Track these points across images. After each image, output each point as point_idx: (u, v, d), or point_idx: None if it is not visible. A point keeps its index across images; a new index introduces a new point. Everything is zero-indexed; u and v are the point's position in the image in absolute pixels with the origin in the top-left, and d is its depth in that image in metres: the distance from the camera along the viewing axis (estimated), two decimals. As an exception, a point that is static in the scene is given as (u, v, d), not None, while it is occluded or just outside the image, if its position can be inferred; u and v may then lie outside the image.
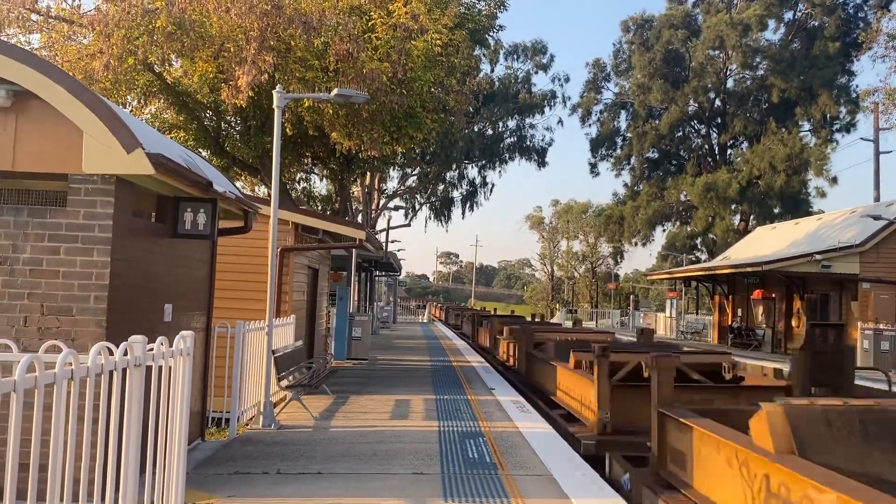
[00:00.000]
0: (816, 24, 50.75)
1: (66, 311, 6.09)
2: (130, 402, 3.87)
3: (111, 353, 3.77)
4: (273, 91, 10.13)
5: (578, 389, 10.19)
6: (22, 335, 6.05)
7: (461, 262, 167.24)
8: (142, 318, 6.79)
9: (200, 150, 20.14)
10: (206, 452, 8.08)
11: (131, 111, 18.64)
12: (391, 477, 6.99)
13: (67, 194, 6.15)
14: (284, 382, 10.39)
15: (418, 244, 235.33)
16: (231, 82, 13.81)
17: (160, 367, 4.33)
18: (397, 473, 7.12)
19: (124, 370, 3.81)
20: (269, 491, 6.45)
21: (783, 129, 49.66)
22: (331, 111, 15.45)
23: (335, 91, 10.36)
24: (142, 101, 17.95)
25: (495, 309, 51.85)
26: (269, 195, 10.75)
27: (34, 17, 15.58)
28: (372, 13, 16.12)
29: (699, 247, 57.09)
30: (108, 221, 6.13)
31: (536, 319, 26.69)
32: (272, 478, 6.94)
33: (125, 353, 3.81)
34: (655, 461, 6.21)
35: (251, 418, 10.04)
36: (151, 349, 4.41)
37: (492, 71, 46.99)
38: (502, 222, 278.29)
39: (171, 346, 4.77)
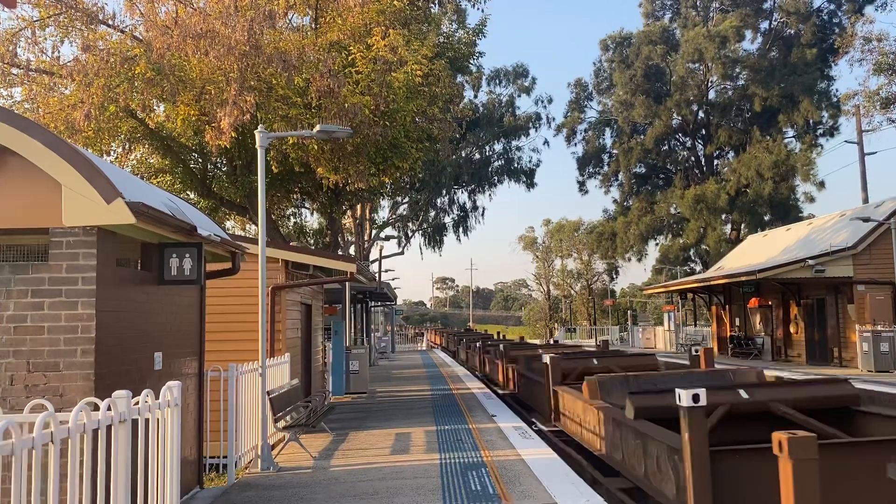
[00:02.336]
0: (792, 31, 51.39)
1: (52, 366, 5.99)
2: (116, 458, 3.79)
3: (98, 407, 3.70)
4: (255, 131, 10.13)
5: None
6: (9, 394, 5.95)
7: (457, 286, 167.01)
8: (131, 369, 6.70)
9: (188, 192, 20.12)
10: (204, 501, 7.94)
11: (116, 158, 18.63)
12: (393, 515, 6.87)
13: (49, 248, 6.09)
14: (281, 423, 10.25)
15: (413, 271, 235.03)
16: (213, 124, 13.82)
17: (146, 421, 4.24)
18: (399, 511, 6.99)
19: (109, 427, 3.73)
20: (269, 538, 6.31)
21: (768, 137, 50.02)
22: (315, 147, 15.46)
23: (317, 128, 10.36)
24: (126, 147, 17.95)
25: (485, 330, 53.62)
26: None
27: (14, 70, 15.62)
28: (351, 48, 16.21)
29: (693, 258, 57.19)
30: (92, 273, 6.06)
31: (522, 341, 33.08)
32: (272, 523, 6.81)
33: (109, 409, 3.73)
34: (552, 415, 11.64)
35: (250, 462, 9.90)
36: (143, 402, 4.34)
37: (475, 96, 47.43)
38: (496, 245, 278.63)
39: (159, 396, 4.70)
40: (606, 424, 8.89)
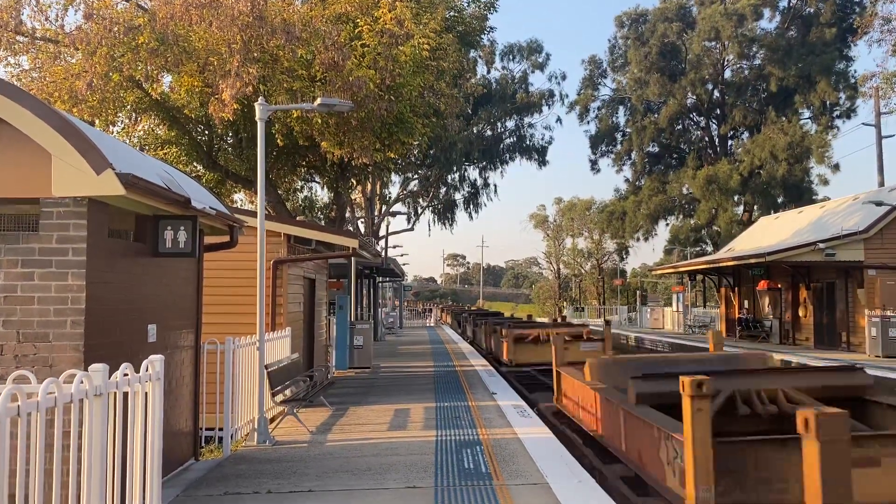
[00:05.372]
0: (811, 10, 50.46)
1: (42, 337, 5.98)
2: (91, 432, 3.75)
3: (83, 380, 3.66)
4: (255, 104, 10.03)
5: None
6: (-2, 364, 5.94)
7: (468, 263, 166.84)
8: (123, 341, 6.67)
9: (195, 164, 20.06)
10: (198, 473, 7.96)
11: (123, 128, 18.57)
12: (383, 492, 6.86)
13: (39, 218, 6.05)
14: (279, 397, 10.27)
15: (425, 247, 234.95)
16: (217, 96, 13.70)
17: (125, 394, 4.21)
18: (390, 488, 6.98)
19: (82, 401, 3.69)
20: (258, 512, 6.32)
21: (783, 118, 49.36)
22: (319, 121, 15.32)
23: (318, 101, 10.25)
24: (133, 118, 17.87)
25: (503, 312, 53.68)
26: (267, 207, 10.63)
27: (20, 38, 15.54)
28: (358, 20, 15.99)
29: (704, 239, 56.83)
30: (82, 244, 6.02)
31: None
32: (263, 497, 6.82)
33: (82, 383, 3.69)
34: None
35: (247, 435, 9.92)
36: (121, 375, 4.30)
37: (488, 72, 46.88)
38: (507, 222, 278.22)
39: (148, 368, 4.65)
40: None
